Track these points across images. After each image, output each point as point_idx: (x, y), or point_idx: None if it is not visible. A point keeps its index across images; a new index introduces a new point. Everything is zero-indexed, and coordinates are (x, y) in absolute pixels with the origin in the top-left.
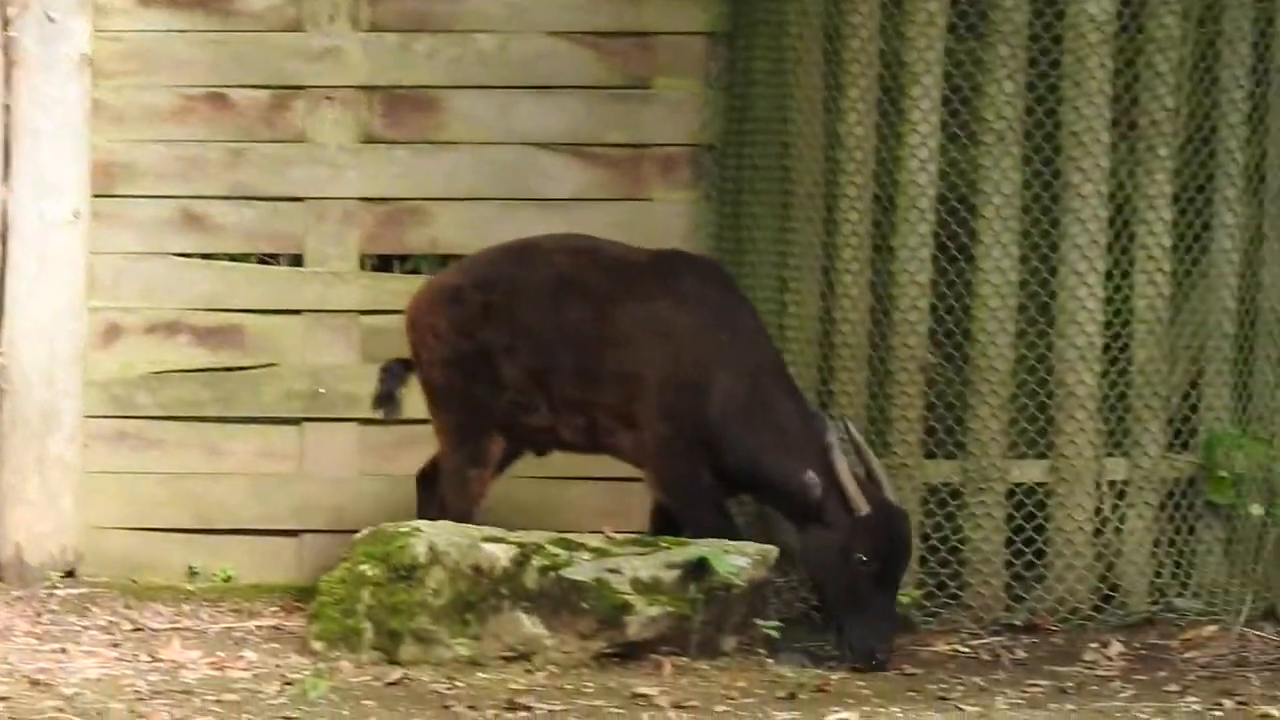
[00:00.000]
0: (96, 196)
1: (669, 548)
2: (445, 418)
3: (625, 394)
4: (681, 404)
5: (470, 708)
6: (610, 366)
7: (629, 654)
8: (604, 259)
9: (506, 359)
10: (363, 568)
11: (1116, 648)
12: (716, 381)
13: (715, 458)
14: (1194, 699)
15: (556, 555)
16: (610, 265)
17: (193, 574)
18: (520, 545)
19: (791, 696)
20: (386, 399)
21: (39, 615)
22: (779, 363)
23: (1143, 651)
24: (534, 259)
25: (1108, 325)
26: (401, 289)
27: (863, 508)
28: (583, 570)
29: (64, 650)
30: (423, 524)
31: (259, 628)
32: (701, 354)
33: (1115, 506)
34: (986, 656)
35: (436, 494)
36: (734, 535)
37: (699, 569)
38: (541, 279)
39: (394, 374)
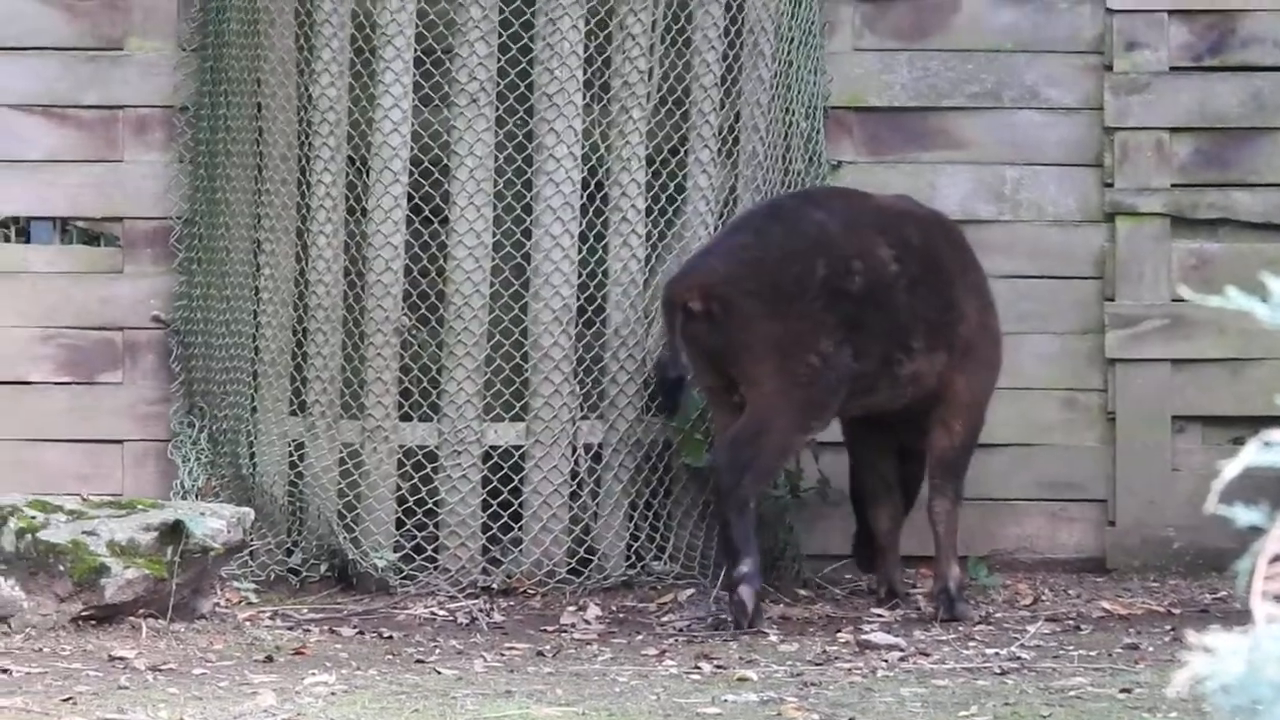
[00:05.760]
0: None
1: (145, 510)
2: (796, 383)
3: (969, 321)
4: (997, 348)
5: None
6: (962, 295)
7: (107, 616)
8: (884, 205)
9: (904, 306)
10: None
11: (594, 611)
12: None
13: None
14: (672, 662)
15: (33, 518)
16: (901, 210)
17: None
18: None
19: (269, 659)
20: (673, 408)
21: None
22: None
23: (620, 615)
24: (854, 210)
25: (583, 288)
26: None
27: None
28: (59, 532)
29: None
30: None
31: None
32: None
33: (591, 470)
34: (464, 620)
35: (738, 450)
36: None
37: (175, 531)
38: (872, 234)
39: (679, 370)
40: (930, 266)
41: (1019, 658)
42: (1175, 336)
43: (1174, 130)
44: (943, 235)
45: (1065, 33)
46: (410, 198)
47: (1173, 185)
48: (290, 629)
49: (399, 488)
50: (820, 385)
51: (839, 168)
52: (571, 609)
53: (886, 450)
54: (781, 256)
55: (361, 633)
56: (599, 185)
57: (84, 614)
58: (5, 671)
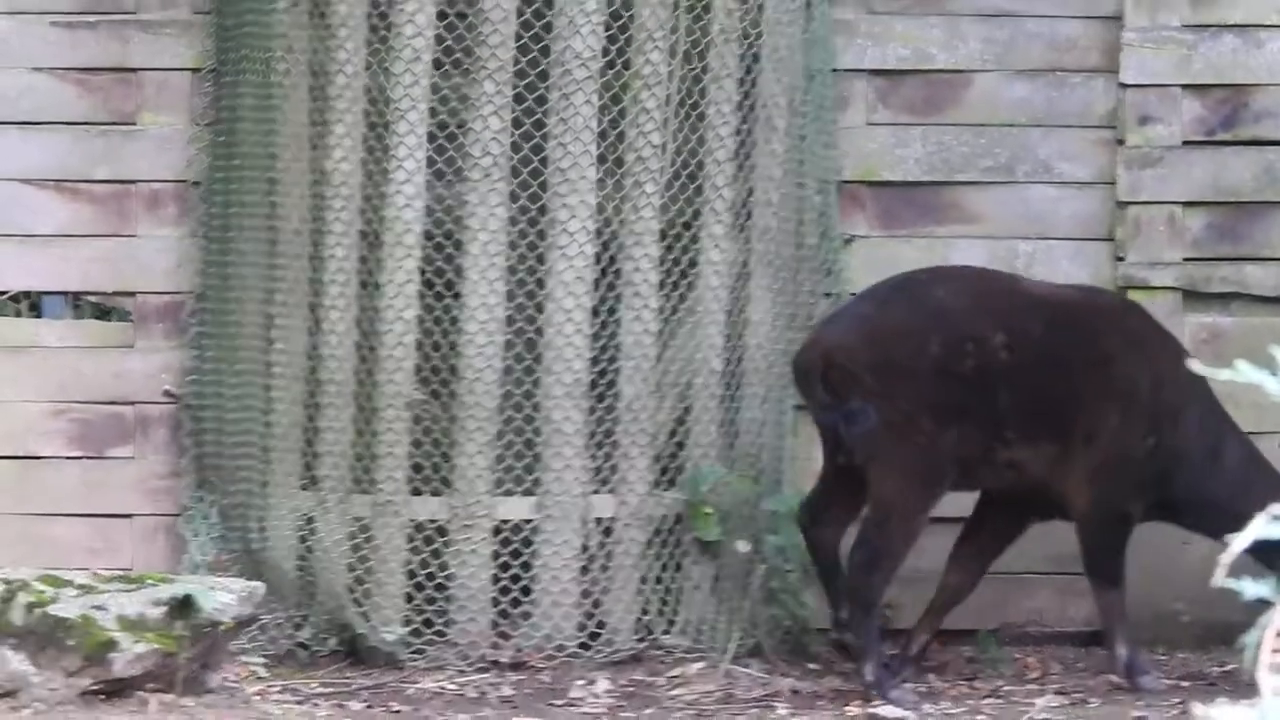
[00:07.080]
0: None
1: (155, 584)
2: (913, 461)
3: (1098, 415)
4: (1157, 426)
5: None
6: (1091, 389)
7: (115, 691)
8: (1019, 289)
9: (1004, 395)
10: None
11: (604, 685)
12: (1188, 406)
13: (1162, 484)
14: None
15: (43, 592)
16: (1037, 297)
17: None
18: (7, 582)
19: None
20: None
21: None
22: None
23: (630, 688)
24: (979, 293)
25: (594, 362)
26: None
27: None
28: (69, 607)
29: None
30: None
31: None
32: (1177, 377)
33: (602, 544)
34: (473, 694)
35: (863, 537)
36: (1123, 566)
37: (184, 605)
38: (988, 319)
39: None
40: (1048, 359)
41: None
42: None
43: (1186, 204)
44: (1086, 328)
45: (1078, 107)
46: (423, 272)
47: (1185, 259)
48: (299, 703)
49: (409, 562)
50: (930, 465)
51: (851, 242)
52: (581, 683)
53: (1001, 517)
54: (898, 331)
55: (371, 707)
56: (611, 259)
57: (93, 688)
58: None
